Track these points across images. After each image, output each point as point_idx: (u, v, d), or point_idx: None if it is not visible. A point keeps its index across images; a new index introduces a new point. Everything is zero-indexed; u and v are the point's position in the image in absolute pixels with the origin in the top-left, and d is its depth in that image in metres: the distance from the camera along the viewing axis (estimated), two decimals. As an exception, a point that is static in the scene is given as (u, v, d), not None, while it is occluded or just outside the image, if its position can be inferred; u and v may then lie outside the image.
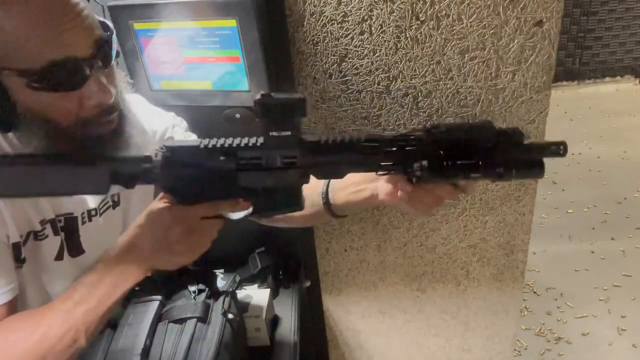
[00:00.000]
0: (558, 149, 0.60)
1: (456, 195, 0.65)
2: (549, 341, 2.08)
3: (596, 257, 2.52)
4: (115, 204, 0.83)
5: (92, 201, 0.77)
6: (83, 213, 0.76)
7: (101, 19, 0.66)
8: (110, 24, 0.68)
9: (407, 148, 0.60)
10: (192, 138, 0.94)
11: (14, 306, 0.66)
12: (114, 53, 0.67)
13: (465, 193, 0.66)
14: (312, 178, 0.64)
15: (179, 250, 0.66)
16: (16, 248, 0.67)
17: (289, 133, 0.59)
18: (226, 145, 0.61)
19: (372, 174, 0.69)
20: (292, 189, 0.64)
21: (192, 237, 0.66)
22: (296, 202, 0.65)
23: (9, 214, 0.64)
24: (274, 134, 0.59)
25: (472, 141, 0.58)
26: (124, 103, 0.70)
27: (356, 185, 0.76)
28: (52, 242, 0.72)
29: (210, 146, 0.61)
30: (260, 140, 0.60)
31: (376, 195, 0.73)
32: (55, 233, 0.72)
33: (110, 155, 0.63)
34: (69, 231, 0.74)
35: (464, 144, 0.58)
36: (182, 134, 0.94)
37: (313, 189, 0.77)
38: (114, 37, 0.67)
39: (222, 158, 0.60)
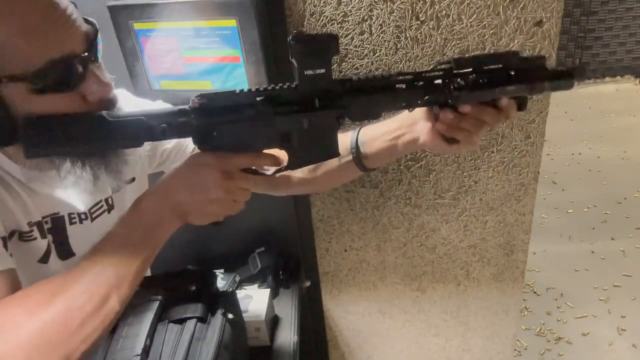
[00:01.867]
0: (579, 68, 0.62)
1: (499, 118, 0.64)
2: (549, 341, 2.08)
3: (596, 257, 2.52)
4: (110, 208, 0.82)
5: (81, 204, 0.76)
6: (71, 214, 0.74)
7: (84, 16, 0.66)
8: (92, 18, 0.67)
9: (438, 79, 0.61)
10: None
11: (15, 277, 0.62)
12: (100, 45, 0.66)
13: (507, 117, 0.65)
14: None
15: (215, 199, 0.62)
16: (2, 241, 0.65)
17: (323, 71, 0.58)
18: (261, 89, 0.59)
19: (408, 119, 0.69)
20: (327, 133, 0.63)
21: (229, 188, 0.62)
22: (332, 147, 0.64)
23: None
24: (309, 72, 0.58)
25: (498, 65, 0.60)
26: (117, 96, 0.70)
27: (392, 133, 0.74)
28: (39, 245, 0.70)
29: (246, 91, 0.59)
30: (295, 82, 0.59)
31: (417, 139, 0.71)
32: (43, 236, 0.70)
33: (145, 110, 0.61)
34: (57, 232, 0.73)
35: (491, 69, 0.60)
36: None
37: (340, 143, 0.74)
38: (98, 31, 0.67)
39: (259, 100, 0.58)
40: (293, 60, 0.57)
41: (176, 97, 1.01)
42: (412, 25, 0.96)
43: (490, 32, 0.96)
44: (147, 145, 0.86)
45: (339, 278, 1.34)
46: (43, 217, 0.71)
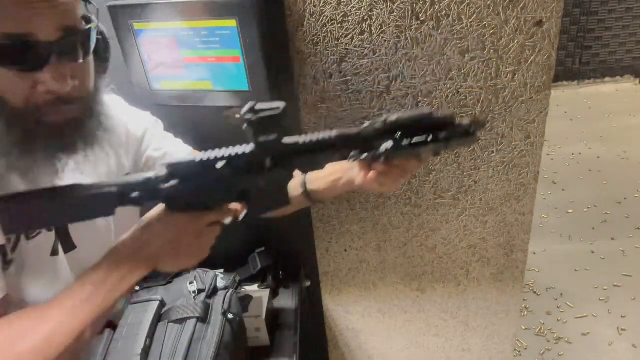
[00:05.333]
0: (478, 122, 0.75)
1: (420, 165, 0.80)
2: (549, 341, 2.08)
3: (596, 257, 2.52)
4: None
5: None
6: None
7: (88, 14, 0.66)
8: (96, 20, 0.67)
9: (370, 137, 0.72)
10: (169, 139, 0.95)
11: (6, 304, 0.67)
12: (90, 48, 0.66)
13: (422, 163, 0.79)
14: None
15: (186, 253, 0.69)
16: (1, 250, 0.67)
17: (275, 136, 0.67)
18: (220, 156, 0.67)
19: (347, 165, 0.82)
20: (279, 187, 0.73)
21: (198, 243, 0.70)
22: (284, 198, 0.74)
23: None
24: (262, 139, 0.66)
25: (418, 124, 0.72)
26: (94, 99, 0.70)
27: (333, 175, 0.86)
28: (46, 238, 0.73)
29: (206, 159, 0.66)
30: (250, 146, 0.67)
31: (353, 182, 0.83)
32: (48, 229, 0.73)
33: (115, 180, 0.64)
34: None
35: (412, 128, 0.72)
36: (160, 135, 0.94)
37: (292, 182, 0.85)
38: (96, 34, 0.67)
39: (218, 167, 0.66)
40: (248, 128, 0.65)
41: (176, 97, 1.02)
42: (412, 25, 0.96)
43: (490, 32, 0.96)
44: (130, 154, 0.89)
45: (339, 278, 1.34)
46: None
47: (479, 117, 0.76)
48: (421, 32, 0.97)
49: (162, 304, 0.90)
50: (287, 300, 1.20)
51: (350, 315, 1.41)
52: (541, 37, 0.96)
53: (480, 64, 0.99)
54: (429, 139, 0.72)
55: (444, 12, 0.94)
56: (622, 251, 2.54)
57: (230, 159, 0.66)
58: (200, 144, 1.14)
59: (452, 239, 1.23)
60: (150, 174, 0.65)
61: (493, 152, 1.10)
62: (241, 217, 0.73)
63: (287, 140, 0.69)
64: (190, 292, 0.93)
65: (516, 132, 1.07)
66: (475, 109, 1.04)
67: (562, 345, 2.05)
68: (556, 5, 0.92)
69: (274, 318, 1.14)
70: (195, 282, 0.95)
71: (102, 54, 0.73)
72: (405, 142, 0.71)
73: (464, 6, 0.93)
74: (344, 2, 0.95)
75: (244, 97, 0.99)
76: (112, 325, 0.86)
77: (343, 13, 0.96)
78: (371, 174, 0.77)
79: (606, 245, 2.59)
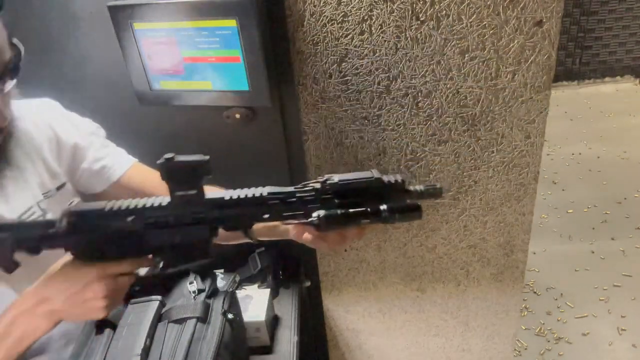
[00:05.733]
0: (435, 191, 0.66)
1: (361, 234, 0.71)
2: (549, 341, 2.08)
3: (596, 257, 2.52)
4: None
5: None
6: None
7: (14, 40, 0.64)
8: (21, 47, 0.65)
9: (306, 199, 0.64)
10: (110, 149, 0.90)
11: None
12: (15, 75, 0.65)
13: (363, 233, 0.71)
14: None
15: (94, 305, 0.65)
16: None
17: (194, 192, 0.61)
18: (132, 207, 0.62)
19: None
20: (200, 242, 0.66)
21: (107, 293, 0.65)
22: (204, 254, 0.67)
23: None
24: (180, 193, 0.61)
25: (361, 190, 0.64)
26: (12, 122, 0.68)
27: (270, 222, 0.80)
28: None
29: (115, 208, 0.62)
30: (167, 199, 0.62)
31: (289, 232, 0.78)
32: None
33: (11, 222, 0.62)
34: None
35: (354, 193, 0.64)
36: (99, 144, 0.90)
37: None
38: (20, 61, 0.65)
39: (129, 219, 0.61)
40: (164, 181, 0.60)
41: (176, 97, 1.02)
42: (412, 25, 0.96)
43: (490, 32, 0.96)
44: (63, 162, 0.85)
45: (339, 278, 1.34)
46: None
47: (439, 185, 0.66)
48: (421, 32, 0.97)
49: (162, 304, 0.90)
50: (287, 300, 1.20)
51: (350, 315, 1.41)
52: (541, 37, 0.96)
53: (480, 64, 0.99)
54: (369, 211, 0.63)
55: (444, 12, 0.94)
56: (622, 251, 2.54)
57: (141, 212, 0.62)
58: (201, 144, 1.14)
59: (452, 239, 1.23)
60: (52, 219, 0.61)
61: (493, 152, 1.10)
62: (157, 270, 0.68)
63: (211, 195, 0.63)
64: (190, 292, 0.93)
65: (516, 132, 1.07)
66: (475, 109, 1.04)
67: (562, 345, 2.05)
68: (556, 5, 0.92)
69: (274, 318, 1.14)
70: (195, 282, 0.95)
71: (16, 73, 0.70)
72: (340, 212, 0.63)
73: (464, 6, 0.93)
74: (344, 2, 0.95)
75: (244, 97, 0.99)
76: (112, 325, 0.86)
77: (343, 13, 0.96)
78: (306, 234, 0.72)
79: (606, 245, 2.59)
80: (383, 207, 0.63)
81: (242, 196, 0.64)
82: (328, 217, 0.63)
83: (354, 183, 0.64)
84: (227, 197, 0.63)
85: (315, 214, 0.63)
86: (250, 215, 0.65)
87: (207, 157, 0.59)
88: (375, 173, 0.65)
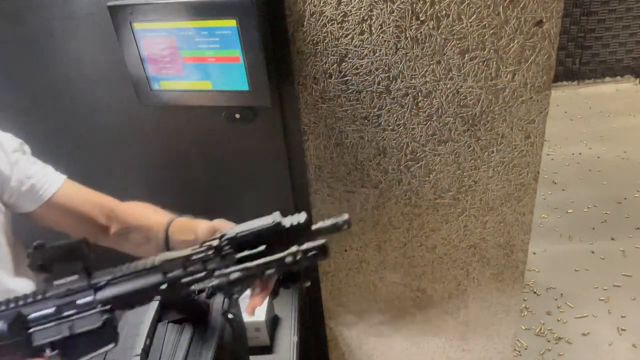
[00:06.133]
0: (342, 224, 0.61)
1: (269, 285, 0.68)
2: (549, 341, 2.08)
3: (596, 257, 2.52)
4: None
5: None
6: None
7: None
8: None
9: (205, 260, 0.60)
10: (38, 164, 0.83)
11: None
12: None
13: (272, 280, 0.68)
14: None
15: None
16: None
17: (76, 277, 0.57)
18: (3, 307, 0.56)
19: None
20: (98, 329, 0.59)
21: None
22: (109, 338, 0.61)
23: None
24: (60, 282, 0.56)
25: (262, 239, 0.60)
26: None
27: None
28: None
29: None
30: (46, 292, 0.57)
31: None
32: None
33: None
34: None
35: (255, 243, 0.60)
36: (26, 160, 0.83)
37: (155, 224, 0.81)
38: None
39: (3, 325, 0.55)
40: (36, 272, 0.55)
41: (176, 97, 1.02)
42: (412, 25, 0.96)
43: (490, 32, 0.96)
44: None
45: (338, 278, 1.34)
46: None
47: (346, 217, 0.60)
48: (421, 32, 0.97)
49: (162, 304, 0.90)
50: (287, 300, 1.20)
51: (350, 315, 1.41)
52: (541, 37, 0.96)
53: (480, 64, 0.99)
54: (271, 260, 0.59)
55: (444, 12, 0.94)
56: (622, 251, 2.54)
57: (18, 314, 0.55)
58: (200, 144, 1.14)
59: (452, 239, 1.23)
60: None
61: (493, 152, 1.10)
62: None
63: (97, 276, 0.58)
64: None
65: (516, 132, 1.07)
66: (475, 109, 1.04)
67: (562, 345, 2.05)
68: (556, 5, 0.92)
69: (274, 318, 1.14)
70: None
71: None
72: (234, 274, 0.58)
73: (464, 6, 0.93)
74: (344, 2, 0.95)
75: (244, 97, 0.99)
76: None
77: (343, 13, 0.96)
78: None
79: (606, 245, 2.59)
80: (285, 253, 0.59)
81: (133, 270, 0.59)
82: (216, 288, 0.59)
83: (251, 234, 0.60)
84: (117, 274, 0.58)
85: (215, 276, 0.60)
86: (145, 290, 0.60)
87: (81, 238, 0.55)
88: (276, 217, 0.61)
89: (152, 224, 0.82)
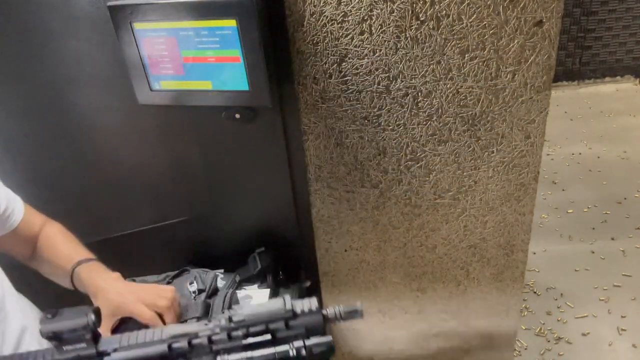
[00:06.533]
0: (355, 313, 0.61)
1: None
2: (549, 341, 2.08)
3: (596, 257, 2.52)
4: None
5: None
6: None
7: None
8: None
9: (212, 338, 0.60)
10: (6, 189, 0.83)
11: None
12: None
13: None
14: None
15: None
16: None
17: (84, 345, 0.58)
18: None
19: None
20: None
21: None
22: None
23: None
24: (69, 347, 0.57)
25: (272, 322, 0.60)
26: None
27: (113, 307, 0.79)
28: None
29: None
30: (57, 355, 0.58)
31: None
32: None
33: None
34: None
35: (264, 327, 0.60)
36: None
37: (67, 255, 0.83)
38: None
39: None
40: (48, 340, 0.57)
41: (176, 97, 1.02)
42: (412, 25, 0.96)
43: (490, 32, 0.96)
44: None
45: (338, 278, 1.34)
46: None
47: (360, 306, 0.61)
48: (421, 32, 0.97)
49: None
50: (287, 300, 1.20)
51: (350, 315, 1.41)
52: (541, 37, 0.96)
53: (480, 64, 0.99)
54: (275, 354, 0.58)
55: (444, 12, 0.94)
56: (622, 251, 2.54)
57: None
58: (200, 144, 1.14)
59: (452, 239, 1.23)
60: None
61: (493, 152, 1.10)
62: None
63: (105, 344, 0.59)
64: (190, 292, 0.93)
65: (516, 132, 1.07)
66: (475, 109, 1.04)
67: (562, 345, 2.05)
68: (556, 5, 0.92)
69: (274, 318, 1.13)
70: (195, 282, 0.95)
71: None
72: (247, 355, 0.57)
73: (464, 6, 0.93)
74: (344, 2, 0.95)
75: (244, 97, 0.99)
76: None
77: (343, 13, 0.96)
78: None
79: (606, 245, 2.59)
80: (289, 348, 0.58)
81: (140, 340, 0.60)
82: None
83: (261, 317, 0.60)
84: (123, 343, 0.59)
85: (219, 358, 0.59)
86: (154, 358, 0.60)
87: (94, 307, 0.57)
88: (287, 301, 0.60)
89: (60, 264, 0.83)
